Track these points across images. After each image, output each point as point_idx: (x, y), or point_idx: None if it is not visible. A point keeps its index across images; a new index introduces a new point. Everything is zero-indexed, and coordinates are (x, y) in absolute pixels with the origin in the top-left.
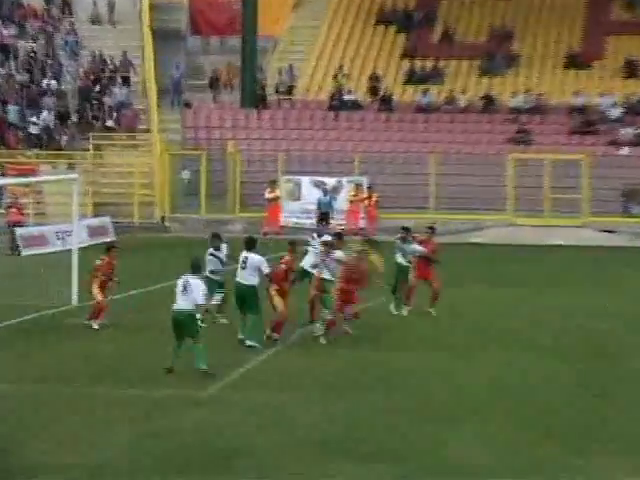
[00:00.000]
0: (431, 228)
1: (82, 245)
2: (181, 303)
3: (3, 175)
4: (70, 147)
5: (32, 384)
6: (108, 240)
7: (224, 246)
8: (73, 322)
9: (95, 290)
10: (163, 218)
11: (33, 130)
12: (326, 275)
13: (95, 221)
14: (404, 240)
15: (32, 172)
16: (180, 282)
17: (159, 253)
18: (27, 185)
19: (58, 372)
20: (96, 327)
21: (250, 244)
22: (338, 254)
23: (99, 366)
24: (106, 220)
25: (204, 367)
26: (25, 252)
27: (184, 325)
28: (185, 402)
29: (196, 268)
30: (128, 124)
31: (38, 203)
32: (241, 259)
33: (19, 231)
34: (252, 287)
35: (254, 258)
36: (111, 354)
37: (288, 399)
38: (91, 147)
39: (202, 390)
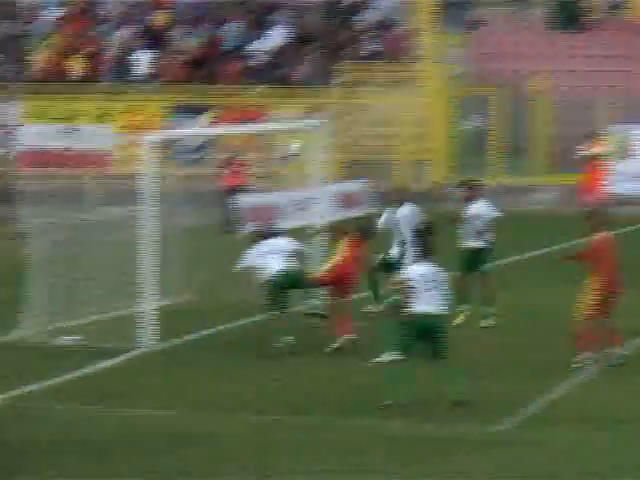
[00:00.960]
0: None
1: (332, 219)
2: (431, 302)
3: (216, 121)
4: (310, 83)
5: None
6: (361, 213)
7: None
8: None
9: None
10: (439, 183)
11: (258, 59)
12: None
13: (346, 187)
14: None
15: (257, 117)
16: (430, 273)
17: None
18: (250, 136)
19: (299, 399)
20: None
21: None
22: None
23: (353, 392)
24: (361, 185)
25: (459, 396)
26: (247, 229)
27: (435, 333)
28: (468, 441)
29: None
30: (391, 52)
31: (265, 161)
32: None
33: (239, 199)
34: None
35: None
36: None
37: (610, 438)
38: (339, 83)
39: (491, 425)
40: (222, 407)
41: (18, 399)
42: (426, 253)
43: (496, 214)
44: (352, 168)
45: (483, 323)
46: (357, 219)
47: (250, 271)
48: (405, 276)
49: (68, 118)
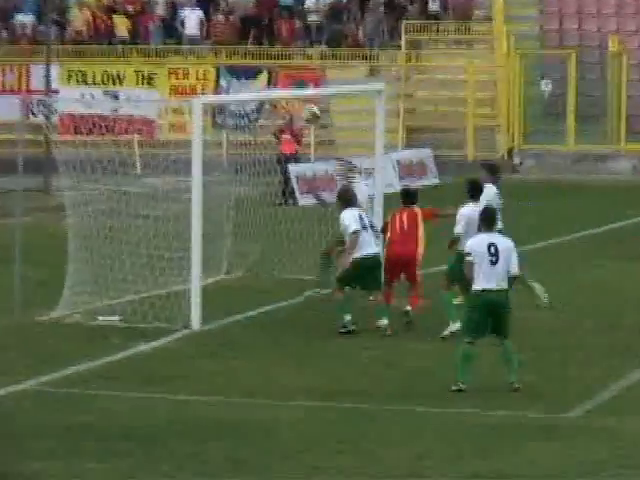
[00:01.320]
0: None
1: (389, 190)
2: (492, 278)
3: (270, 84)
4: (372, 43)
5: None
6: (426, 183)
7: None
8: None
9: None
10: (511, 151)
11: (316, 17)
12: None
13: (409, 154)
14: None
15: (315, 80)
16: (485, 242)
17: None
18: (307, 100)
19: (356, 384)
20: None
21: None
22: None
23: (411, 375)
24: (426, 153)
25: (515, 381)
26: (303, 201)
27: (500, 311)
28: (534, 429)
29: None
30: (459, 9)
31: (322, 127)
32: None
33: (294, 169)
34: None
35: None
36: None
37: None
38: (403, 44)
39: (561, 412)
40: (275, 393)
41: (56, 384)
42: (489, 223)
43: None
44: (416, 135)
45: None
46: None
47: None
48: (468, 249)
49: (110, 82)
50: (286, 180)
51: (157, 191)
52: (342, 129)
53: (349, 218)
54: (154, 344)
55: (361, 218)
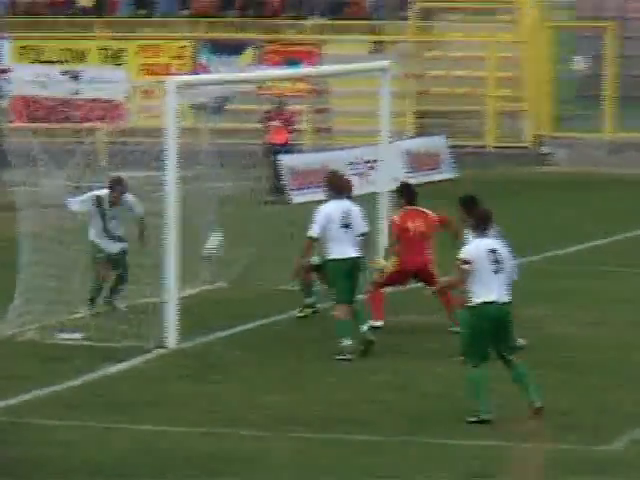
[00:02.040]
0: None
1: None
2: (501, 291)
3: (257, 62)
4: (376, 15)
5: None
6: (441, 177)
7: None
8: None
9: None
10: (538, 140)
11: None
12: None
13: (420, 144)
14: None
15: (309, 57)
16: (485, 248)
17: (528, 203)
18: (301, 80)
19: (360, 412)
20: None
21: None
22: None
23: (425, 401)
24: (439, 142)
25: (538, 401)
26: (298, 198)
27: (504, 327)
28: (569, 463)
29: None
30: None
31: (319, 112)
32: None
33: (286, 160)
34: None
35: None
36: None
37: None
38: (412, 15)
39: (600, 443)
40: (263, 422)
41: (8, 412)
42: (483, 227)
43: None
44: (429, 121)
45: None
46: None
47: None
48: (464, 255)
49: (71, 60)
50: (276, 174)
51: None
52: (341, 114)
53: (321, 215)
54: (122, 366)
55: (347, 214)
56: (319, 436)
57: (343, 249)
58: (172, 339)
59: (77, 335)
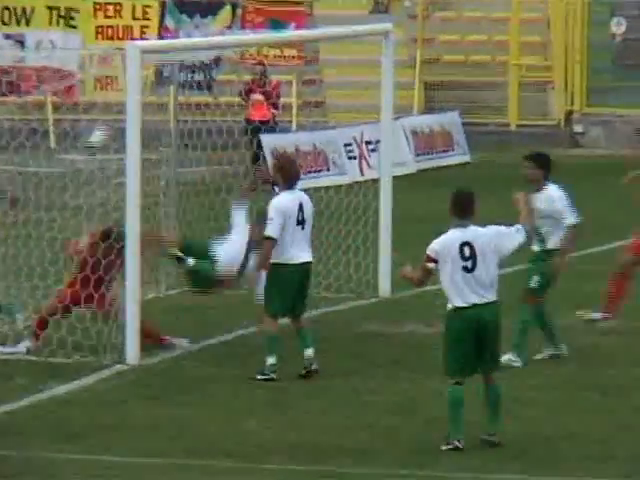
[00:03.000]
0: None
1: (405, 172)
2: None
3: (234, 24)
4: None
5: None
6: (451, 161)
7: None
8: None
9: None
10: (569, 117)
11: None
12: None
13: (429, 121)
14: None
15: (297, 18)
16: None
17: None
18: (287, 47)
19: (352, 440)
20: None
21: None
22: None
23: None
24: (451, 119)
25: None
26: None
27: (488, 333)
28: None
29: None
30: None
31: (309, 84)
32: None
33: (268, 140)
34: None
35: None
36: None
37: None
38: None
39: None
40: (242, 452)
41: None
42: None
43: None
44: (439, 94)
45: None
46: None
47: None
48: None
49: (13, 22)
50: (257, 156)
51: (78, 172)
52: (336, 86)
53: (278, 210)
54: (74, 385)
55: (301, 209)
56: (308, 468)
57: (296, 252)
58: (133, 354)
59: (20, 348)
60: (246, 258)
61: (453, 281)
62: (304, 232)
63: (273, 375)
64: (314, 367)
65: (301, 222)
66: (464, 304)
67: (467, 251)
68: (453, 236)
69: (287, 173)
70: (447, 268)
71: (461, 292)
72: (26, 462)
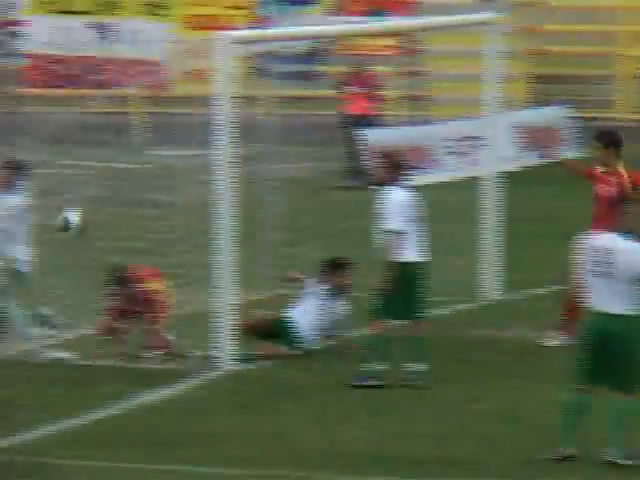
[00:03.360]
0: None
1: (509, 168)
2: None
3: (332, 13)
4: None
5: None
6: (562, 157)
7: None
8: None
9: None
10: None
11: None
12: None
13: (536, 116)
14: None
15: (399, 8)
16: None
17: None
18: (388, 36)
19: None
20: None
21: None
22: None
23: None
24: (560, 114)
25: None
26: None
27: (617, 347)
28: None
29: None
30: None
31: (409, 76)
32: None
33: (367, 135)
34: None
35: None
36: None
37: None
38: None
39: None
40: (336, 463)
41: (20, 450)
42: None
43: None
44: (547, 87)
45: None
46: None
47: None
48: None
49: (99, 10)
50: (354, 152)
51: (167, 168)
52: (438, 79)
53: (398, 204)
54: (164, 392)
55: (414, 206)
56: None
57: (412, 250)
58: (227, 359)
59: (66, 355)
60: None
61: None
62: (417, 230)
63: (381, 382)
64: (418, 382)
65: (415, 220)
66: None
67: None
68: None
69: (401, 169)
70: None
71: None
72: (115, 471)
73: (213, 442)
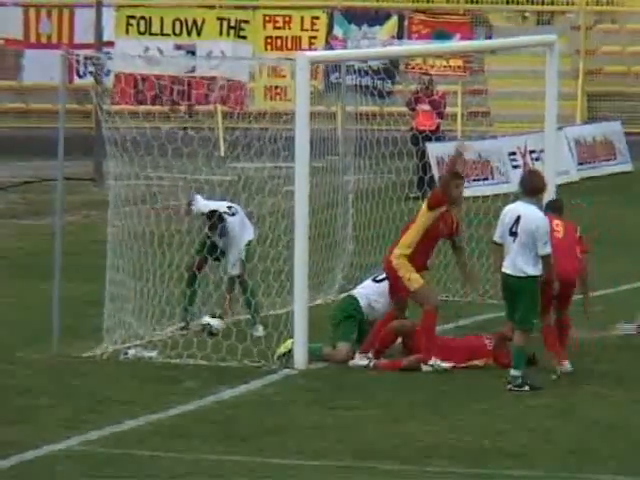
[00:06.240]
0: None
1: (567, 180)
2: None
3: (407, 33)
4: None
5: None
6: (614, 170)
7: None
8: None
9: None
10: None
11: None
12: None
13: (591, 131)
14: None
15: (463, 31)
16: None
17: None
18: (454, 57)
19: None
20: None
21: None
22: None
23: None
24: (614, 129)
25: None
26: None
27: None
28: None
29: None
30: None
31: (474, 94)
32: None
33: (436, 148)
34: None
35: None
36: None
37: None
38: None
39: None
40: (400, 454)
41: (107, 442)
42: None
43: None
44: (602, 104)
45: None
46: None
47: None
48: None
49: (184, 33)
50: (424, 165)
51: (248, 180)
52: (500, 97)
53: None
54: (242, 389)
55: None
56: (468, 471)
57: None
58: (301, 358)
59: (154, 354)
60: None
61: None
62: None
63: (526, 387)
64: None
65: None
66: None
67: None
68: None
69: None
70: None
71: None
72: (195, 463)
73: (286, 435)
